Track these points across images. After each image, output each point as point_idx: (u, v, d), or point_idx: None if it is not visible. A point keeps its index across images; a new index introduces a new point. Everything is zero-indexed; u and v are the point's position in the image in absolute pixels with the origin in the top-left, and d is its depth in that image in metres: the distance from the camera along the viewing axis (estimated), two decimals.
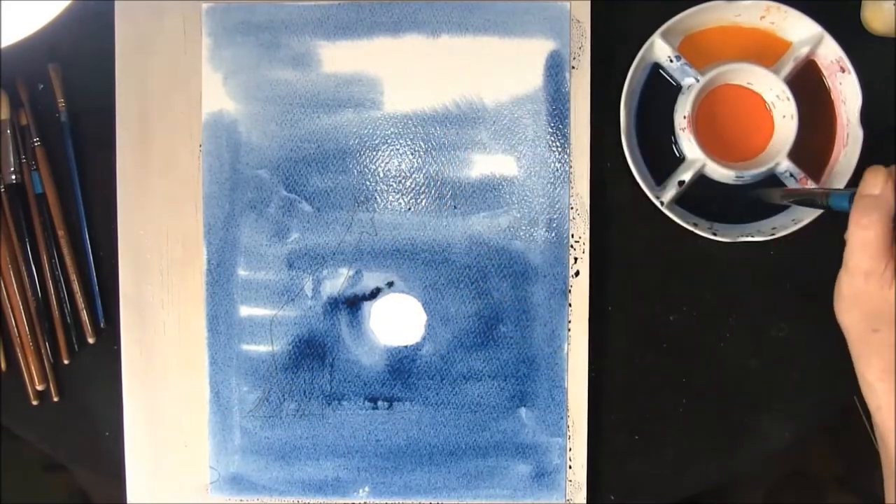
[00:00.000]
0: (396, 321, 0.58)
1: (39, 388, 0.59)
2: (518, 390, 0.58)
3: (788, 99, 0.56)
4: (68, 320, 0.60)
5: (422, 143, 0.58)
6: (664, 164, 0.59)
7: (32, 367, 0.59)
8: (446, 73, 0.58)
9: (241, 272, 0.58)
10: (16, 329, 0.59)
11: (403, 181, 0.58)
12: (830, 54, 0.58)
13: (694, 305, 0.60)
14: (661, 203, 0.57)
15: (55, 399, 0.60)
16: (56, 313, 0.59)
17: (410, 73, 0.58)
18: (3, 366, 0.60)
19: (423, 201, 0.58)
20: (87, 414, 0.60)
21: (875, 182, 0.45)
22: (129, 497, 0.59)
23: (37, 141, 0.59)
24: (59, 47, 0.59)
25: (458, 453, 0.58)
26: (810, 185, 0.57)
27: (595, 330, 0.58)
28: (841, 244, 0.60)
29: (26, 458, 0.62)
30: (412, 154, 0.58)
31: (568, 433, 0.58)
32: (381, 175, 0.58)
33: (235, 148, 0.58)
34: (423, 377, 0.58)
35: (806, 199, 0.53)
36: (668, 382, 0.60)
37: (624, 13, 0.60)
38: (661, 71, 0.59)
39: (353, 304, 0.58)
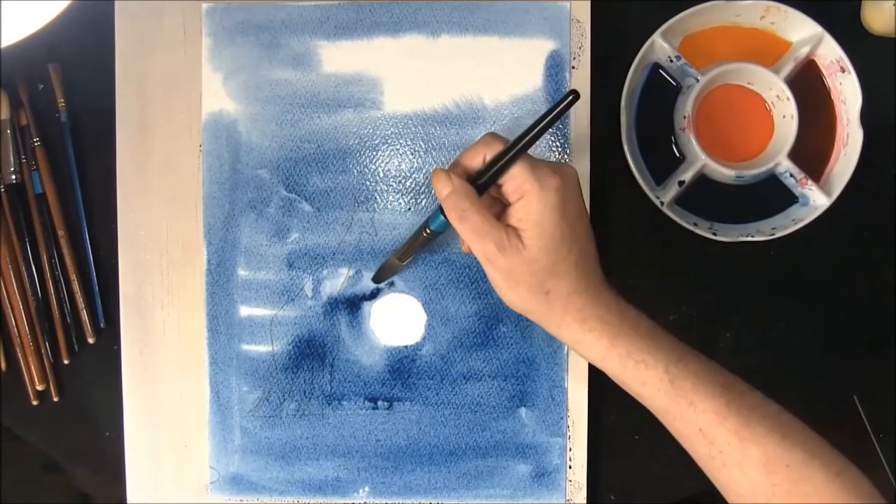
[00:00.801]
0: (396, 321, 0.58)
1: (39, 388, 0.59)
2: (518, 390, 0.58)
3: (788, 99, 0.56)
4: (68, 320, 0.60)
5: (422, 143, 0.58)
6: (664, 164, 0.59)
7: (32, 367, 0.59)
8: (446, 73, 0.58)
9: (241, 272, 0.58)
10: (16, 329, 0.59)
11: (403, 181, 0.58)
12: (830, 54, 0.58)
13: (694, 305, 0.60)
14: (661, 203, 0.57)
15: (55, 399, 0.60)
16: (56, 313, 0.59)
17: (410, 73, 0.58)
18: (3, 366, 0.60)
19: (423, 201, 0.58)
20: (87, 414, 0.60)
21: (442, 184, 0.48)
22: (129, 497, 0.59)
23: (37, 141, 0.59)
24: (59, 47, 0.59)
25: (458, 453, 0.58)
26: (809, 184, 0.57)
27: None
28: (840, 243, 0.60)
29: (26, 458, 0.61)
30: (412, 154, 0.58)
31: (568, 433, 0.58)
32: (381, 175, 0.58)
33: (235, 148, 0.58)
34: (423, 377, 0.58)
35: (413, 242, 0.54)
36: None
37: (624, 13, 0.60)
38: (661, 71, 0.59)
39: (353, 304, 0.58)
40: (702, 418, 0.46)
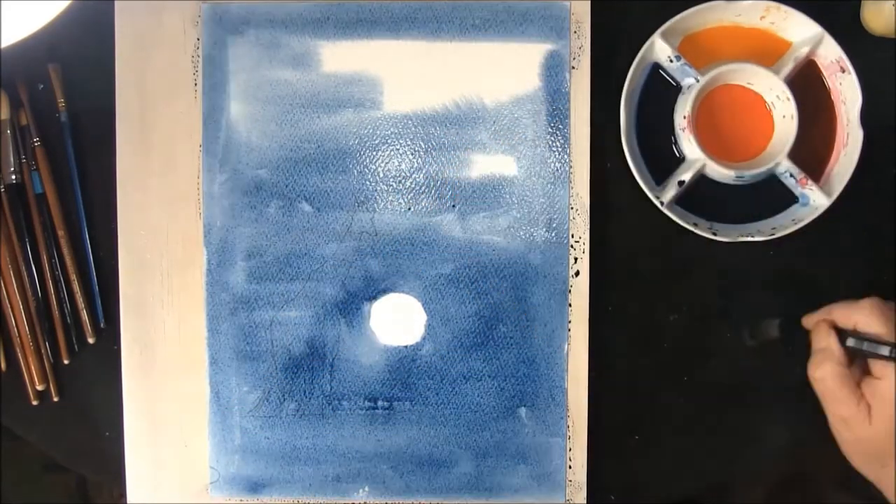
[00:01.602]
0: (396, 321, 0.58)
1: (39, 388, 0.59)
2: (518, 390, 0.58)
3: (788, 99, 0.56)
4: (68, 320, 0.60)
5: (422, 143, 0.58)
6: (664, 164, 0.59)
7: (32, 367, 0.59)
8: (446, 74, 0.58)
9: (241, 272, 0.58)
10: (16, 329, 0.59)
11: (403, 181, 0.58)
12: (830, 54, 0.58)
13: (694, 305, 0.60)
14: (661, 203, 0.57)
15: (55, 399, 0.60)
16: (56, 313, 0.59)
17: (410, 73, 0.58)
18: (3, 366, 0.60)
19: (423, 201, 0.58)
20: (87, 414, 0.60)
21: (822, 337, 0.51)
22: (129, 497, 0.59)
23: (37, 141, 0.59)
24: (59, 47, 0.59)
25: (458, 453, 0.58)
26: (809, 184, 0.57)
27: (595, 330, 0.58)
28: (840, 243, 0.60)
29: (26, 458, 0.61)
30: (412, 154, 0.58)
31: (568, 433, 0.58)
32: (381, 175, 0.58)
33: (235, 148, 0.58)
34: (423, 377, 0.58)
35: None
36: (668, 382, 0.60)
37: (624, 13, 0.60)
38: (661, 71, 0.59)
39: (353, 304, 0.58)
40: None
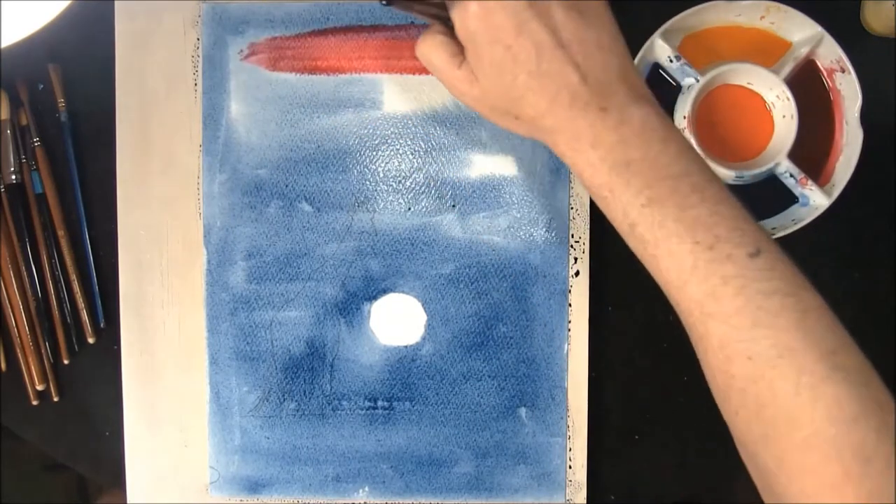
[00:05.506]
0: (396, 321, 0.58)
1: (39, 388, 0.59)
2: (518, 390, 0.58)
3: (788, 99, 0.56)
4: (68, 320, 0.60)
5: (422, 143, 0.58)
6: None
7: (32, 367, 0.59)
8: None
9: (241, 272, 0.58)
10: (16, 329, 0.59)
11: (403, 181, 0.58)
12: (830, 54, 0.58)
13: None
14: None
15: (55, 399, 0.60)
16: (56, 313, 0.59)
17: (410, 74, 0.58)
18: (3, 366, 0.60)
19: (423, 201, 0.58)
20: (87, 414, 0.60)
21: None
22: (129, 497, 0.59)
23: (37, 141, 0.59)
24: (59, 47, 0.59)
25: (458, 453, 0.58)
26: (809, 184, 0.57)
27: (595, 330, 0.58)
28: (840, 243, 0.60)
29: (26, 458, 0.62)
30: (412, 154, 0.58)
31: (568, 433, 0.58)
32: (381, 175, 0.58)
33: (235, 148, 0.58)
34: (422, 377, 0.58)
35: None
36: (668, 382, 0.60)
37: (624, 13, 0.59)
38: (661, 71, 0.59)
39: (353, 303, 0.58)
40: (666, 277, 0.40)
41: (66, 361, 0.60)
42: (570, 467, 0.58)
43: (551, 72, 0.41)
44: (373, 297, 0.59)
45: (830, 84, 0.59)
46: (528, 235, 0.58)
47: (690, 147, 0.42)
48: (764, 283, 0.38)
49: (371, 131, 0.58)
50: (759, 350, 0.38)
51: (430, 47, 0.45)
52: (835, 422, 0.36)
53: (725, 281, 0.38)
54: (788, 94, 0.56)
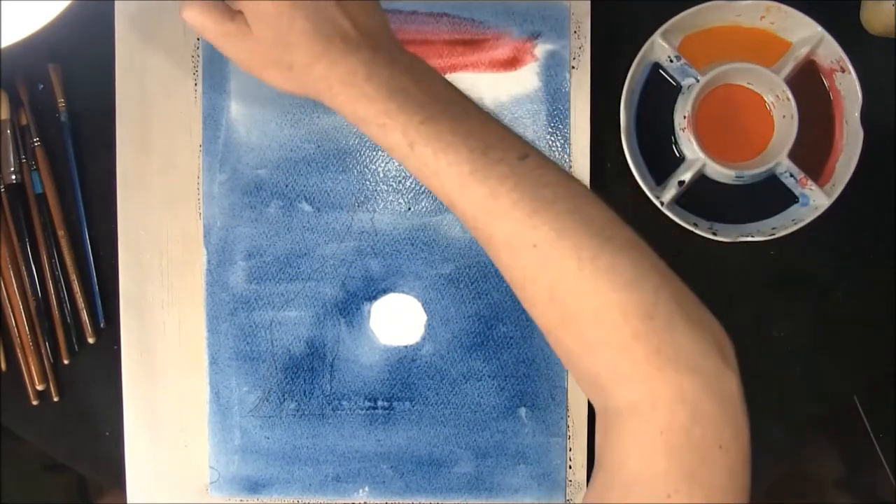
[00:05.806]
0: (396, 321, 0.58)
1: (39, 388, 0.59)
2: (518, 390, 0.58)
3: (788, 99, 0.56)
4: (68, 320, 0.60)
5: None
6: (664, 164, 0.59)
7: (32, 367, 0.59)
8: (446, 73, 0.58)
9: (241, 272, 0.58)
10: (16, 329, 0.59)
11: (403, 181, 0.58)
12: (830, 54, 0.58)
13: None
14: (661, 203, 0.57)
15: (55, 399, 0.60)
16: (56, 313, 0.59)
17: None
18: (3, 366, 0.60)
19: (423, 201, 0.58)
20: (87, 414, 0.60)
21: None
22: (129, 497, 0.59)
23: (37, 141, 0.59)
24: (59, 47, 0.59)
25: (458, 453, 0.58)
26: (809, 184, 0.57)
27: None
28: (840, 243, 0.60)
29: (26, 458, 0.61)
30: None
31: (568, 433, 0.58)
32: (381, 175, 0.58)
33: (235, 148, 0.58)
34: (422, 377, 0.58)
35: None
36: None
37: (624, 13, 0.60)
38: (661, 71, 0.59)
39: (353, 303, 0.58)
40: (448, 189, 0.42)
41: (66, 361, 0.60)
42: (570, 467, 0.58)
43: (327, 17, 0.43)
44: (373, 297, 0.59)
45: (830, 84, 0.59)
46: None
47: (454, 85, 0.45)
48: (536, 178, 0.41)
49: None
50: (540, 236, 0.40)
51: (199, 8, 0.45)
52: (616, 287, 0.39)
53: (501, 181, 0.41)
54: (788, 94, 0.56)
